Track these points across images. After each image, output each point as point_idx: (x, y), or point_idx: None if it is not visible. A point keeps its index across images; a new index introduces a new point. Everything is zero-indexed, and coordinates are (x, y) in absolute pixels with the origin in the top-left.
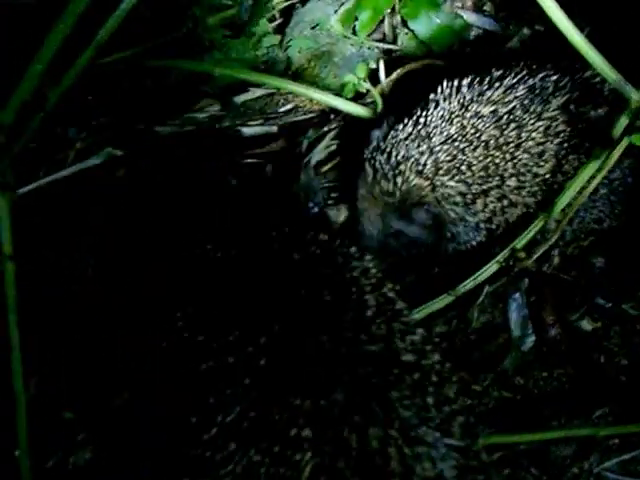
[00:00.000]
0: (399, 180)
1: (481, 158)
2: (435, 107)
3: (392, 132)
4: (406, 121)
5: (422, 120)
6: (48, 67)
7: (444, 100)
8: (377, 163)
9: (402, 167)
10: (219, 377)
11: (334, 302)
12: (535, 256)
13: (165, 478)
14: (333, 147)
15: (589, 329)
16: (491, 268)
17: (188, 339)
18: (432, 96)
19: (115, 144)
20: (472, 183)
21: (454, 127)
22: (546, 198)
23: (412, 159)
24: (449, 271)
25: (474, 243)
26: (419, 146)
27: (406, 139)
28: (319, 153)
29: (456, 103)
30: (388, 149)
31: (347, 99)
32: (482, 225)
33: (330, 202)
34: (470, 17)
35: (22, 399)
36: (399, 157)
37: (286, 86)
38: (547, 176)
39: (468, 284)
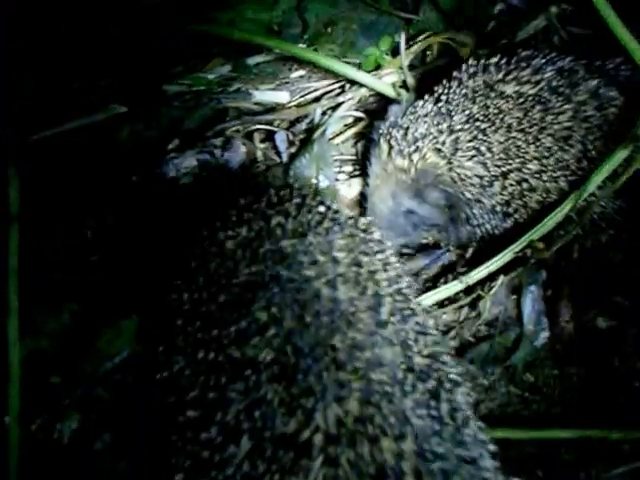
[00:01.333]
0: (415, 157)
1: (502, 140)
2: (458, 85)
3: (411, 108)
4: (427, 97)
5: (444, 97)
6: None
7: (468, 78)
8: (393, 139)
9: (419, 144)
10: (220, 370)
11: (348, 298)
12: (554, 248)
13: (157, 468)
14: (348, 119)
15: (604, 327)
16: (505, 257)
17: (190, 326)
18: (455, 73)
19: (121, 100)
20: (491, 165)
21: (477, 106)
22: (569, 185)
23: (431, 136)
24: (462, 256)
25: (489, 227)
26: (439, 124)
27: (426, 116)
28: (334, 124)
29: (481, 82)
30: (406, 125)
31: (367, 72)
32: (499, 208)
33: (342, 176)
34: None
35: (16, 365)
36: (417, 133)
37: (305, 54)
38: (571, 161)
39: (481, 272)
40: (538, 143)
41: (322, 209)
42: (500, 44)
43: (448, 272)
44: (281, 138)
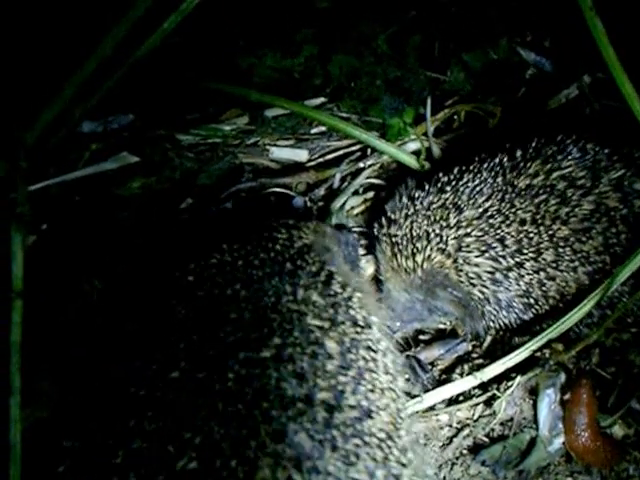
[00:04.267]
0: (419, 258)
1: (514, 234)
2: (468, 175)
3: (415, 199)
4: (431, 188)
5: (448, 188)
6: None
7: (479, 169)
8: (394, 237)
9: (423, 243)
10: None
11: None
12: (573, 351)
13: None
14: (368, 189)
15: (620, 436)
16: (522, 354)
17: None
18: (461, 167)
19: (132, 149)
20: (503, 258)
21: (487, 199)
22: (588, 276)
23: (434, 234)
24: (479, 347)
25: (507, 321)
26: (443, 219)
27: (428, 209)
28: (353, 197)
29: (492, 174)
30: (408, 221)
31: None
32: (517, 300)
33: (360, 250)
34: (528, 55)
35: (18, 447)
36: (420, 231)
37: (326, 120)
38: (591, 252)
39: (496, 368)
40: (551, 232)
41: (323, 300)
42: (529, 113)
43: (464, 362)
44: (298, 205)
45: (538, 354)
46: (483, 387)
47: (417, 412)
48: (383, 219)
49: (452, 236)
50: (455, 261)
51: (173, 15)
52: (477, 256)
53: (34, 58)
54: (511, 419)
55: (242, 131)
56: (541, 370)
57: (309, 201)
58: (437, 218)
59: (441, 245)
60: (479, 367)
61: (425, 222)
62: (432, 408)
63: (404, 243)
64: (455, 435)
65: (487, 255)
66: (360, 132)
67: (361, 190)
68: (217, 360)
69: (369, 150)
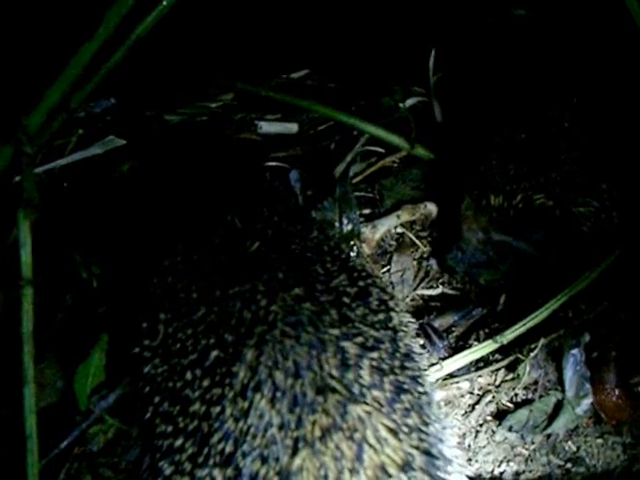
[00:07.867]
0: (518, 198)
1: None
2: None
3: (510, 135)
4: (531, 120)
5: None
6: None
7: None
8: (489, 173)
9: (524, 184)
10: None
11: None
12: (598, 309)
13: None
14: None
15: None
16: (542, 314)
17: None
18: None
19: (119, 132)
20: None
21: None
22: None
23: (535, 172)
24: (493, 310)
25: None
26: (548, 156)
27: (526, 145)
28: (356, 165)
29: None
30: (505, 157)
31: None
32: None
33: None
34: None
35: (34, 436)
36: (521, 169)
37: (324, 111)
38: None
39: (516, 331)
40: None
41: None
42: None
43: (479, 327)
44: (295, 177)
45: (561, 314)
46: (503, 351)
47: (436, 380)
48: (473, 157)
49: (557, 173)
50: (559, 203)
51: None
52: (584, 198)
53: (36, 40)
54: (535, 382)
55: (228, 107)
56: (565, 330)
57: (305, 173)
58: (541, 155)
59: (546, 185)
60: (495, 331)
61: (528, 159)
62: (452, 376)
63: (501, 180)
64: (477, 402)
65: (594, 195)
66: (348, 117)
67: (359, 158)
68: None
69: None
